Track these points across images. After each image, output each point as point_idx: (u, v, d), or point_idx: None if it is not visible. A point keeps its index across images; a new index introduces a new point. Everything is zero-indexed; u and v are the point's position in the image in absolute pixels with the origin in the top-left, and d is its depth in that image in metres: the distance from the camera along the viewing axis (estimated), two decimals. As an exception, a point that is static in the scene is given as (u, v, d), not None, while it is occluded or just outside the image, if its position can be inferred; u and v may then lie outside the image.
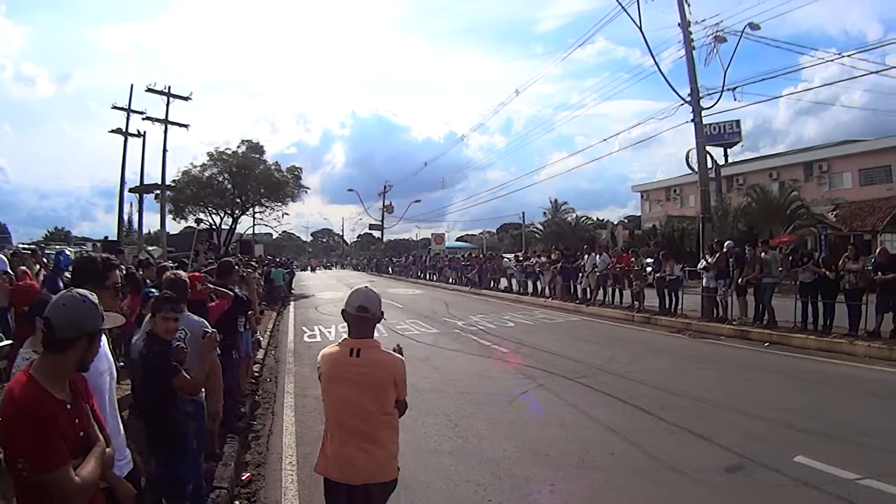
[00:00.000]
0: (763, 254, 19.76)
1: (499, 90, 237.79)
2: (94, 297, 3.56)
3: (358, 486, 4.50)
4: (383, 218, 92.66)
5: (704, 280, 22.21)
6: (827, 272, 17.40)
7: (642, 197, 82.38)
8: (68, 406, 3.37)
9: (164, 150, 39.70)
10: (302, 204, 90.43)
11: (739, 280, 19.96)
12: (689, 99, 25.08)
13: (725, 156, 64.22)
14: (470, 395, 12.33)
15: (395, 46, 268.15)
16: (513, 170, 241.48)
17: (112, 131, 38.86)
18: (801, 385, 12.81)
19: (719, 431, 9.23)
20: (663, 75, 25.99)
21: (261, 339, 14.94)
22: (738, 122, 62.69)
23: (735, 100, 24.65)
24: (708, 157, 30.94)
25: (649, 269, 25.56)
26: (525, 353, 16.78)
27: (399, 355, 4.81)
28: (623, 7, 25.56)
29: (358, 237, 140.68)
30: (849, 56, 24.24)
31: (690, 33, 25.01)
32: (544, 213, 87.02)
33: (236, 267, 11.57)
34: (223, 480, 7.10)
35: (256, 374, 13.97)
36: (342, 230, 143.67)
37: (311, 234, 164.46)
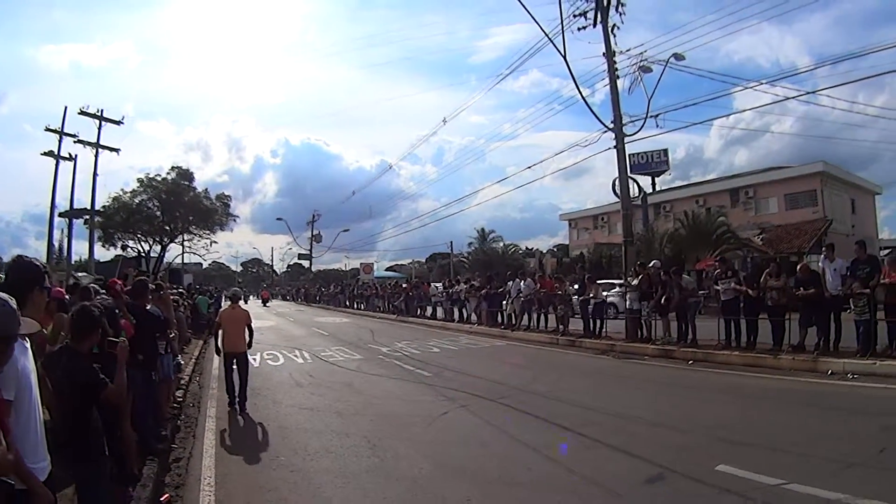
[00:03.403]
0: (679, 280, 20.00)
1: (432, 121, 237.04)
2: (13, 303, 3.53)
3: (235, 353, 13.33)
4: (311, 247, 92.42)
5: (628, 302, 22.40)
6: (749, 290, 17.58)
7: (570, 225, 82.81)
8: None
9: (95, 175, 39.62)
10: (231, 233, 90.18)
11: (661, 301, 20.05)
12: (612, 126, 25.00)
13: (653, 184, 64.76)
14: (390, 417, 12.18)
15: (330, 74, 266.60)
16: (444, 199, 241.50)
17: (44, 154, 38.18)
18: (723, 398, 12.90)
19: (640, 445, 9.11)
20: (586, 102, 25.89)
21: (181, 362, 14.67)
22: (665, 151, 63.32)
23: (657, 126, 24.80)
24: (635, 184, 31.03)
25: (576, 296, 25.38)
26: (448, 377, 16.65)
27: (247, 309, 14.85)
28: (548, 37, 25.35)
29: (288, 267, 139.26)
30: (765, 84, 24.43)
31: (615, 63, 25.17)
32: (469, 243, 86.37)
33: (153, 286, 11.37)
34: (141, 501, 6.99)
35: (180, 399, 13.78)
36: (272, 260, 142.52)
37: (241, 264, 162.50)
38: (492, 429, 10.83)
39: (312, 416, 12.49)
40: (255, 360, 20.31)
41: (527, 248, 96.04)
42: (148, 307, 10.00)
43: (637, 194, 32.94)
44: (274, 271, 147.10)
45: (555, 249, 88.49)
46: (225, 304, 19.95)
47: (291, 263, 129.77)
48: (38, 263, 4.41)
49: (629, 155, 27.62)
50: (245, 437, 10.96)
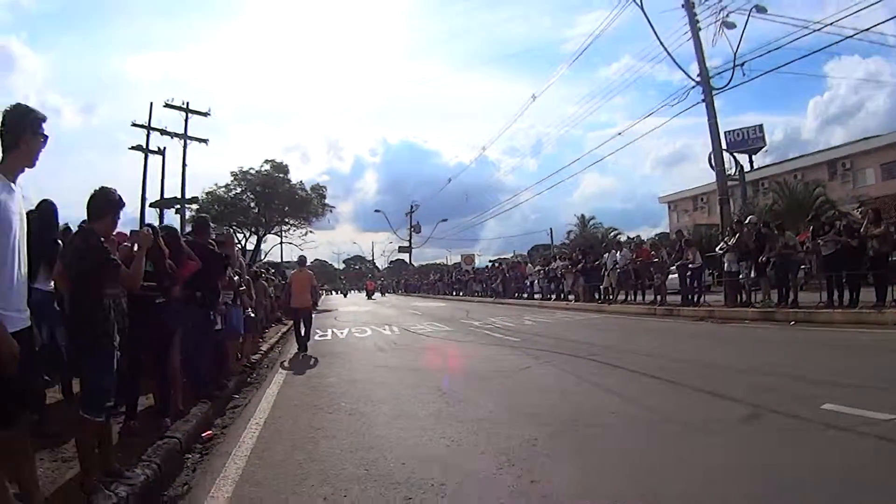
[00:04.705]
0: (782, 235, 18.95)
1: (527, 111, 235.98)
2: None
3: (301, 309, 16.64)
4: (410, 237, 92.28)
5: (726, 264, 21.39)
6: (850, 240, 16.45)
7: (669, 208, 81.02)
8: None
9: (184, 164, 40.10)
10: (333, 231, 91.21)
11: (761, 258, 18.98)
12: (698, 79, 24.30)
13: (751, 162, 63.04)
14: (468, 372, 11.70)
15: (422, 72, 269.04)
16: (544, 193, 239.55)
17: (132, 148, 38.57)
18: (827, 350, 12.07)
19: (735, 390, 8.40)
20: (670, 55, 25.34)
21: (253, 315, 14.65)
22: (760, 126, 61.57)
23: (743, 75, 23.57)
24: (731, 158, 30.17)
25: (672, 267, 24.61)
26: (537, 341, 16.06)
27: (311, 272, 18.62)
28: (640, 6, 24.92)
29: (389, 263, 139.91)
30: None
31: (696, 14, 24.62)
32: (568, 232, 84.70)
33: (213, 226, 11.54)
34: (177, 432, 6.82)
35: (255, 360, 13.78)
36: (372, 255, 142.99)
37: (343, 262, 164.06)
38: (574, 378, 10.32)
39: (386, 372, 12.17)
40: (341, 333, 21.13)
41: (628, 236, 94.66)
42: (209, 245, 9.77)
43: (734, 170, 31.91)
44: (376, 267, 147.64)
45: (655, 238, 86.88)
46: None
47: (393, 259, 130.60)
48: (35, 110, 4.37)
49: (724, 133, 26.82)
50: (311, 389, 10.57)
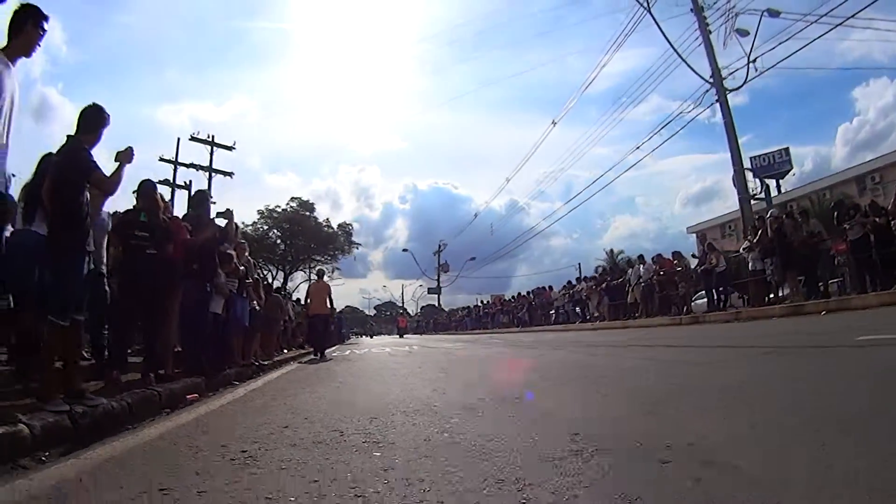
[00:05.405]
0: (806, 223, 18.61)
1: (557, 156, 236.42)
2: None
3: (317, 315, 18.96)
4: (438, 276, 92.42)
5: (750, 264, 20.86)
6: (876, 219, 15.95)
7: (698, 238, 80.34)
8: None
9: (210, 196, 39.80)
10: (365, 279, 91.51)
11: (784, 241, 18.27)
12: (711, 80, 24.64)
13: (778, 187, 62.18)
14: (477, 360, 12.42)
15: (450, 118, 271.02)
16: (575, 235, 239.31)
17: (159, 182, 38.27)
18: (859, 321, 11.34)
19: (761, 343, 8.46)
20: (683, 60, 25.78)
21: (258, 307, 14.10)
22: (786, 149, 60.67)
23: (755, 70, 23.76)
24: (758, 181, 30.39)
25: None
26: (553, 345, 15.81)
27: (328, 283, 20.90)
28: (647, 8, 24.97)
29: (421, 309, 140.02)
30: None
31: (705, 18, 24.96)
32: (596, 268, 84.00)
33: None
34: (159, 386, 6.91)
35: (265, 363, 13.39)
36: (402, 301, 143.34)
37: (375, 308, 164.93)
38: (587, 357, 10.25)
39: (394, 365, 12.10)
40: (360, 352, 21.70)
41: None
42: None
43: (760, 189, 31.79)
44: (407, 312, 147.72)
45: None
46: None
47: (424, 305, 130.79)
48: (42, 11, 4.99)
49: (750, 158, 26.92)
50: (315, 375, 10.57)
